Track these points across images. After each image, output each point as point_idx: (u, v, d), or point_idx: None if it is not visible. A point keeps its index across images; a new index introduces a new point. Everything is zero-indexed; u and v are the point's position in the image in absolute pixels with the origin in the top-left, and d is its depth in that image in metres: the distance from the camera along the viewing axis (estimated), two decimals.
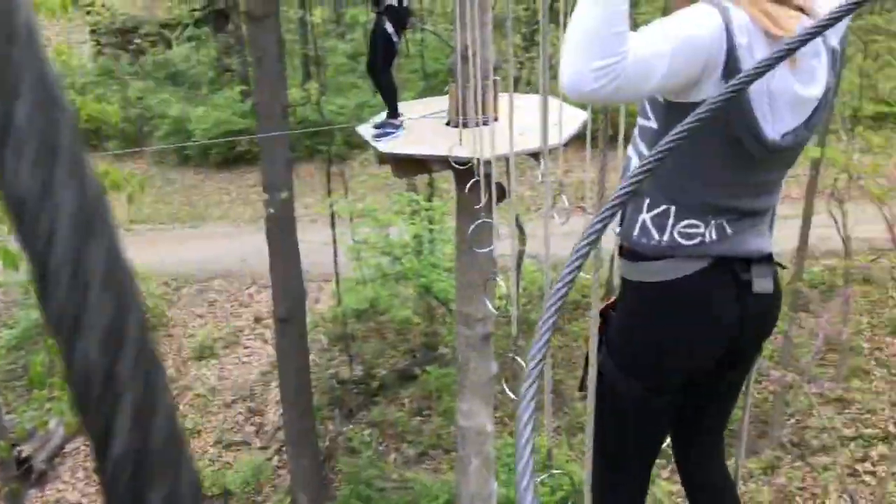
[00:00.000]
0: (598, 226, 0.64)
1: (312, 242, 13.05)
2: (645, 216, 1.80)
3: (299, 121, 16.68)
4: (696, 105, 1.57)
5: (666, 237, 1.78)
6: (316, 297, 13.67)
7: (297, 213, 10.90)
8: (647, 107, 1.76)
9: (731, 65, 1.55)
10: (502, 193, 6.75)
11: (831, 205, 10.56)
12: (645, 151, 1.77)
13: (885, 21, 11.34)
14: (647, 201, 1.79)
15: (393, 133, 6.58)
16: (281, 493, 10.03)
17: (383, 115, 6.85)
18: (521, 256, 11.19)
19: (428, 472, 10.05)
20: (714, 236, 1.76)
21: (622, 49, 1.44)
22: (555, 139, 5.96)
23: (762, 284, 1.83)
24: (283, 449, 10.42)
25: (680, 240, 1.77)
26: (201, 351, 12.86)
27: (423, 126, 6.84)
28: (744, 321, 1.85)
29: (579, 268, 0.63)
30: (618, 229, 1.88)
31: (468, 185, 6.13)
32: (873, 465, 9.53)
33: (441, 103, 7.26)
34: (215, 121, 19.86)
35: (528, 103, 7.23)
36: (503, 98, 7.01)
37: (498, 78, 6.82)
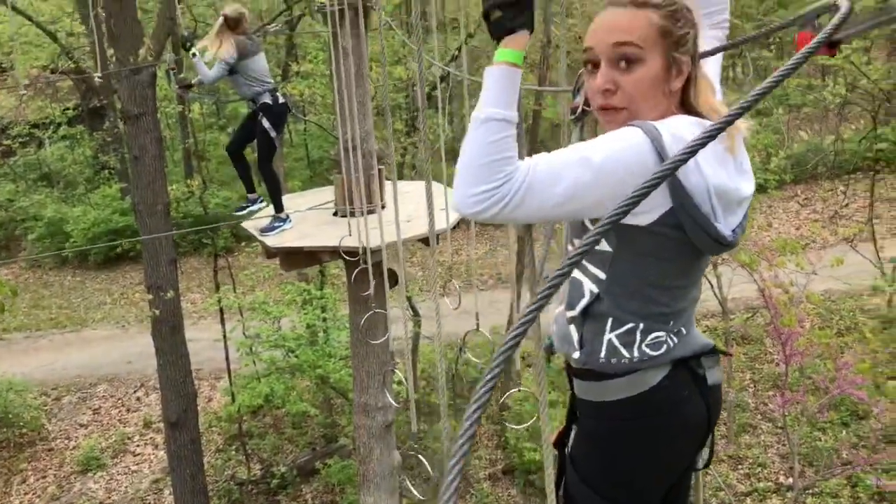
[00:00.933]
0: (531, 315, 0.68)
1: (201, 340, 12.70)
2: (610, 336, 1.77)
3: (183, 215, 16.37)
4: (638, 227, 1.62)
5: (636, 353, 1.76)
6: (208, 396, 13.20)
7: (185, 310, 10.61)
8: (592, 228, 1.70)
9: (673, 183, 1.56)
10: (394, 279, 6.81)
11: (706, 270, 11.11)
12: (602, 275, 1.74)
13: (737, 95, 12.24)
14: (611, 321, 1.76)
15: (280, 226, 6.57)
16: None
17: (269, 210, 6.84)
18: (416, 340, 11.21)
19: None
20: (675, 341, 1.78)
21: (503, 175, 1.46)
22: (442, 224, 6.11)
23: (715, 375, 1.85)
24: None
25: (649, 352, 1.76)
26: (87, 463, 12.12)
27: (310, 217, 6.87)
28: (710, 414, 1.85)
29: (510, 353, 0.66)
30: (576, 354, 1.82)
31: (356, 274, 6.17)
32: None
33: (327, 194, 7.33)
34: (94, 220, 19.24)
35: (413, 189, 7.41)
36: (389, 186, 7.15)
37: (382, 167, 6.95)
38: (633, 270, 1.70)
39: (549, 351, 2.00)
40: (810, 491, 9.76)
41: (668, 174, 0.81)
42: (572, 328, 1.82)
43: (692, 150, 0.83)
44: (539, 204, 1.49)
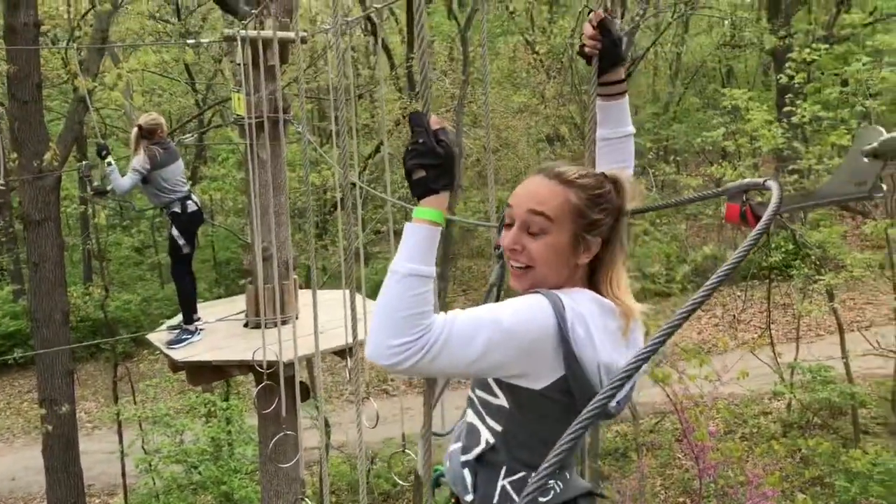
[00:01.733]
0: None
1: (95, 452, 11.97)
2: (504, 482, 1.83)
3: (80, 319, 15.67)
4: (531, 390, 1.66)
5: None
6: None
7: (79, 419, 10.00)
8: (494, 384, 1.80)
9: (567, 354, 1.62)
10: (305, 392, 6.62)
11: None
12: (498, 427, 1.80)
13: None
14: (504, 469, 1.83)
15: (189, 339, 6.33)
16: None
17: (178, 318, 6.60)
18: (327, 450, 10.86)
19: None
20: (561, 486, 1.83)
21: (421, 328, 1.50)
22: (361, 334, 6.01)
23: None
24: None
25: (540, 499, 1.81)
26: None
27: (219, 328, 6.65)
28: None
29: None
30: (469, 497, 1.87)
31: (265, 389, 5.97)
32: None
33: (238, 304, 7.13)
34: None
35: (327, 298, 7.30)
36: (302, 294, 7.04)
37: (296, 276, 6.85)
38: (526, 427, 1.76)
39: (436, 484, 2.02)
40: None
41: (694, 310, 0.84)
42: (466, 472, 1.87)
43: (668, 332, 0.93)
44: (453, 359, 1.54)
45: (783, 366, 12.38)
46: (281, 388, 5.31)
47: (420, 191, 1.57)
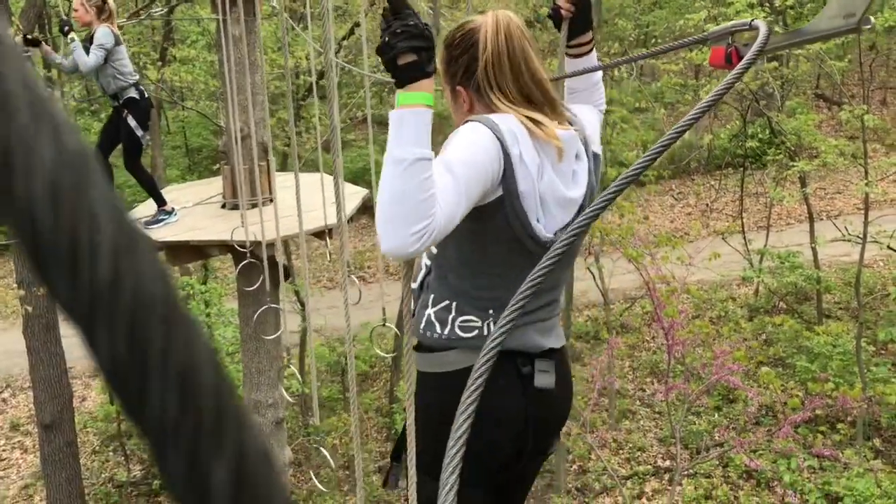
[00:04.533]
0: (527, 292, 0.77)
1: (72, 337, 12.06)
2: (430, 311, 1.90)
3: None
4: (475, 209, 1.70)
5: (446, 331, 1.88)
6: (82, 396, 12.56)
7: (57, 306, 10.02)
8: None
9: (507, 174, 1.69)
10: (285, 274, 6.67)
11: (588, 262, 11.49)
12: (434, 250, 1.89)
13: (618, 93, 12.64)
14: (432, 297, 1.90)
15: (166, 219, 6.31)
16: None
17: (149, 207, 6.55)
18: (304, 334, 11.05)
19: None
20: (490, 329, 1.84)
21: (433, 210, 1.52)
22: (335, 217, 6.02)
23: (543, 379, 1.91)
24: None
25: (460, 332, 1.87)
26: None
27: (196, 210, 6.63)
28: (528, 414, 1.91)
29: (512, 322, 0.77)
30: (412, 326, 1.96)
31: (245, 268, 6.01)
32: (648, 500, 10.27)
33: (213, 186, 7.09)
34: None
35: (304, 181, 7.26)
36: (279, 177, 7.00)
37: (273, 158, 6.79)
38: (456, 247, 1.82)
39: None
40: (685, 472, 10.24)
41: (682, 133, 0.96)
42: (411, 300, 1.93)
43: (690, 122, 0.96)
44: (453, 220, 1.59)
45: (753, 252, 12.63)
46: (265, 265, 5.34)
47: (411, 75, 1.55)
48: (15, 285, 13.57)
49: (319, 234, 6.30)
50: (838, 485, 9.23)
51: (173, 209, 6.42)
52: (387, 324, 4.16)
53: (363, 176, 13.85)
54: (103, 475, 10.94)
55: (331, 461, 2.78)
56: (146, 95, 6.40)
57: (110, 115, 6.60)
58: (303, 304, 10.57)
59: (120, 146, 6.46)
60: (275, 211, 5.56)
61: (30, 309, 7.75)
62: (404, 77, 1.55)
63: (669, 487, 10.43)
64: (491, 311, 1.85)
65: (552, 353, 1.95)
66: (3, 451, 11.91)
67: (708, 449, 10.27)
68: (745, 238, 12.88)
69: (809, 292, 12.74)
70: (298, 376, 4.76)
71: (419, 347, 1.95)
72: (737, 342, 9.29)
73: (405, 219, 1.51)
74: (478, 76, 1.82)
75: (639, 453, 10.99)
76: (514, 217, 1.70)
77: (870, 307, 11.95)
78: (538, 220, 1.75)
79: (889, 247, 10.41)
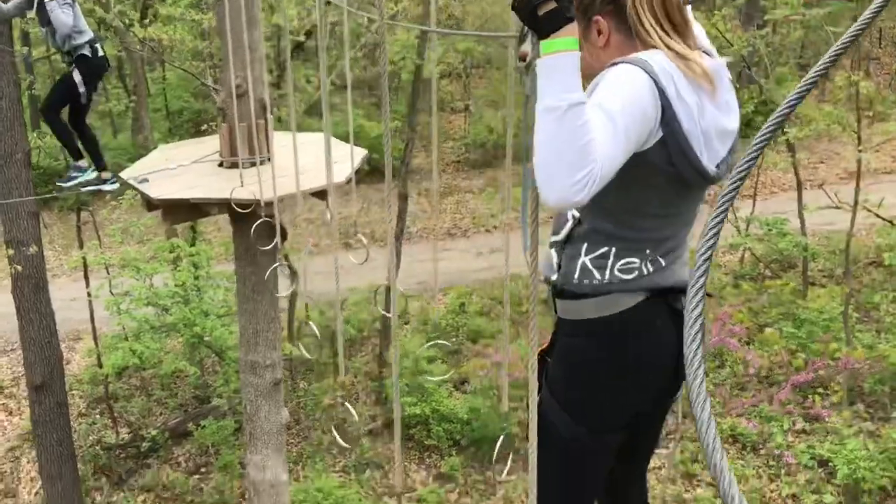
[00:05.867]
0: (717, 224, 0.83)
1: (56, 300, 11.97)
2: (584, 259, 1.88)
3: (34, 167, 15.20)
4: (634, 155, 1.66)
5: (607, 276, 1.86)
6: (67, 359, 12.45)
7: None
8: None
9: (667, 114, 1.64)
10: (284, 235, 6.62)
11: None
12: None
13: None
14: (585, 246, 1.87)
15: (78, 176, 6.36)
16: None
17: (141, 163, 6.53)
18: (295, 297, 11.00)
19: None
20: (650, 269, 1.86)
21: (594, 156, 1.47)
22: (339, 177, 5.97)
23: None
24: None
25: (620, 275, 1.86)
26: None
27: (193, 168, 6.52)
28: (681, 348, 1.91)
29: (709, 260, 0.76)
30: (554, 276, 1.94)
31: (244, 228, 5.95)
32: None
33: (206, 145, 6.98)
34: None
35: (303, 140, 7.18)
36: (277, 136, 6.90)
37: (271, 116, 6.69)
38: (614, 195, 1.76)
39: (547, 281, 2.06)
40: (672, 436, 10.38)
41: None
42: (553, 252, 1.95)
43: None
44: (613, 166, 1.55)
45: (740, 220, 12.70)
46: (277, 225, 5.28)
47: (554, 23, 1.48)
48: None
49: (319, 195, 6.24)
50: (822, 448, 9.40)
51: (114, 176, 6.49)
52: (399, 289, 4.12)
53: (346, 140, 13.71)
54: (91, 437, 10.89)
55: (355, 415, 2.75)
56: (100, 54, 6.32)
57: (62, 74, 6.57)
58: (292, 269, 10.51)
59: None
60: (272, 170, 5.50)
61: (19, 269, 7.65)
62: (547, 27, 1.49)
63: (657, 451, 10.57)
64: (648, 251, 1.85)
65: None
66: None
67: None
68: (731, 205, 12.93)
69: (795, 259, 12.86)
70: (314, 331, 4.71)
71: (566, 295, 1.93)
72: (735, 304, 9.35)
73: (566, 168, 1.47)
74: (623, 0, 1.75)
75: None
76: (680, 156, 1.67)
77: (853, 275, 12.10)
78: (703, 155, 1.72)
79: (877, 215, 10.52)
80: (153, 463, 10.47)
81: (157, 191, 6.01)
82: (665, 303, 1.90)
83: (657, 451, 2.56)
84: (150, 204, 6.33)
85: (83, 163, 6.51)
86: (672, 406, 2.24)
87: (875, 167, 16.45)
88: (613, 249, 1.85)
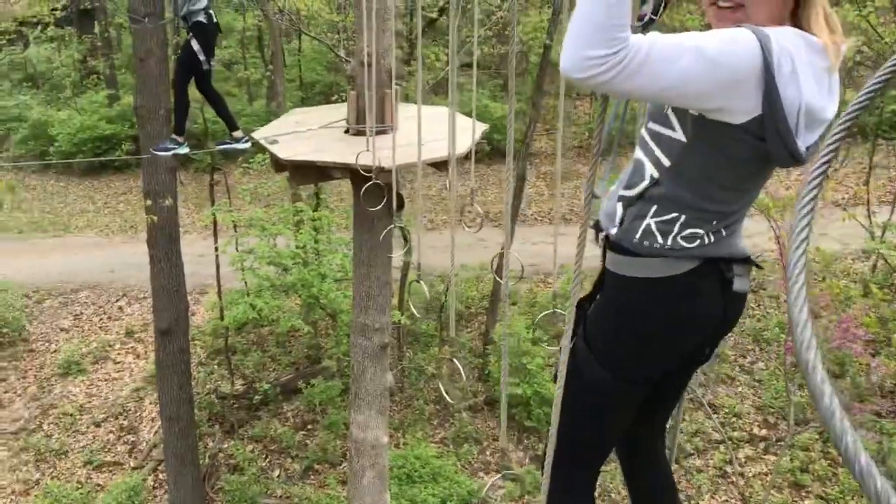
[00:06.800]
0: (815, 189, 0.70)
1: (186, 255, 12.65)
2: (651, 221, 1.86)
3: None
4: (727, 126, 1.64)
5: (669, 241, 1.86)
6: (192, 310, 13.17)
7: None
8: (673, 117, 1.78)
9: (770, 93, 1.58)
10: (400, 203, 6.75)
11: None
12: (665, 161, 1.81)
13: None
14: (655, 208, 1.85)
15: (174, 148, 6.64)
16: None
17: (272, 125, 6.79)
18: (407, 268, 11.21)
19: (314, 486, 9.86)
20: (711, 239, 1.85)
21: (617, 42, 1.44)
22: (460, 149, 6.03)
23: (741, 284, 1.93)
24: (160, 468, 9.95)
25: (683, 243, 1.85)
26: (67, 367, 12.11)
27: (321, 133, 6.74)
28: (725, 316, 1.95)
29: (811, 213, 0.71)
30: (614, 230, 1.94)
31: (365, 191, 6.11)
32: (741, 465, 10.10)
33: (339, 112, 7.19)
34: (80, 125, 18.85)
35: (427, 113, 7.30)
36: (402, 108, 7.04)
37: (398, 87, 6.83)
38: (699, 164, 1.75)
39: (597, 228, 2.06)
40: (781, 443, 10.01)
41: None
42: (619, 205, 1.92)
43: None
44: (650, 80, 1.50)
45: (876, 225, 12.04)
46: (393, 189, 5.39)
47: None
48: (134, 201, 14.19)
49: (439, 167, 6.33)
50: None
51: (184, 142, 6.75)
52: (509, 252, 4.14)
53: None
54: (208, 386, 11.49)
55: (462, 371, 2.84)
56: (214, 20, 6.57)
57: (182, 45, 6.86)
58: (406, 237, 10.69)
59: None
60: (393, 139, 5.62)
61: (155, 219, 8.11)
62: None
63: (764, 456, 10.23)
64: (714, 223, 1.84)
65: (747, 259, 1.95)
66: (118, 354, 12.63)
67: (808, 422, 9.99)
68: (868, 209, 12.28)
69: None
70: (424, 292, 4.80)
71: (621, 250, 1.93)
72: (864, 308, 8.88)
73: (584, 39, 1.44)
74: None
75: (734, 419, 10.79)
76: (775, 135, 1.62)
77: None
78: (799, 137, 1.66)
79: None
80: (263, 415, 10.94)
81: (285, 152, 6.25)
82: (718, 270, 1.89)
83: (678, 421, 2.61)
84: (278, 164, 6.60)
85: (181, 138, 6.86)
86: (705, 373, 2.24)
87: None
88: (683, 217, 1.83)
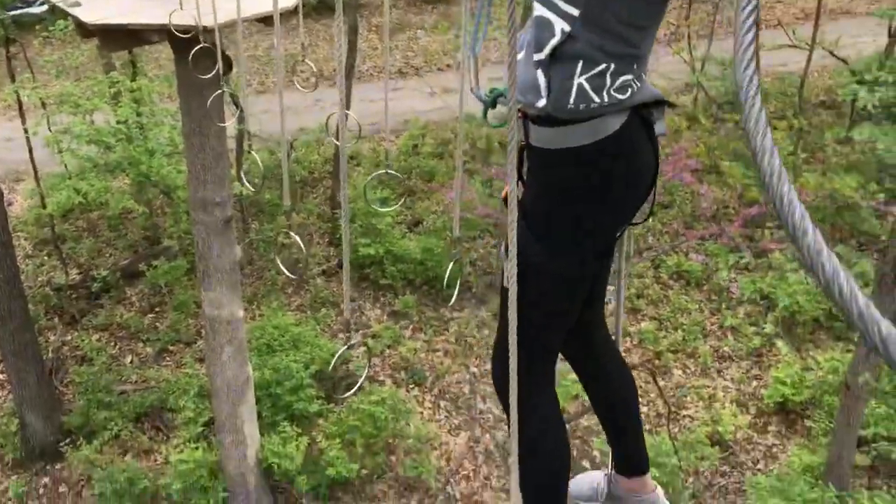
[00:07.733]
0: None
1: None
2: (581, 80, 1.71)
3: None
4: None
5: (605, 97, 1.73)
6: (8, 200, 12.12)
7: None
8: None
9: None
10: (229, 65, 6.31)
11: None
12: (575, 11, 1.65)
13: None
14: (581, 63, 1.69)
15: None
16: (6, 414, 9.09)
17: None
18: (242, 137, 10.70)
19: (171, 368, 9.64)
20: (638, 85, 1.77)
21: None
22: (287, 2, 5.63)
23: (660, 126, 1.89)
24: (0, 368, 9.40)
25: (617, 96, 1.73)
26: None
27: None
28: (656, 162, 1.91)
29: None
30: (542, 101, 1.75)
31: (188, 57, 5.65)
32: None
33: None
34: None
35: None
36: None
37: None
38: (607, 6, 1.65)
39: (493, 104, 1.92)
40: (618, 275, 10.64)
41: None
42: (539, 73, 1.74)
43: None
44: None
45: (696, 59, 12.57)
46: (218, 52, 4.99)
47: None
48: None
49: (266, 21, 5.92)
50: (764, 282, 9.78)
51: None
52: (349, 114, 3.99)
53: None
54: (40, 279, 10.78)
55: (302, 246, 2.71)
56: None
57: None
58: (237, 103, 10.15)
59: None
60: None
61: None
62: None
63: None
64: (636, 66, 1.75)
65: (662, 101, 1.89)
66: None
67: (641, 252, 10.64)
68: (689, 44, 12.76)
69: None
70: (258, 160, 4.52)
71: (557, 122, 1.77)
72: (692, 139, 9.37)
73: None
74: None
75: None
76: None
77: (803, 115, 12.19)
78: None
79: (832, 53, 10.47)
80: (106, 303, 10.45)
81: (90, 15, 5.62)
82: (640, 118, 1.83)
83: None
84: (84, 30, 5.94)
85: None
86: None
87: (832, 7, 16.27)
88: (612, 66, 1.71)
